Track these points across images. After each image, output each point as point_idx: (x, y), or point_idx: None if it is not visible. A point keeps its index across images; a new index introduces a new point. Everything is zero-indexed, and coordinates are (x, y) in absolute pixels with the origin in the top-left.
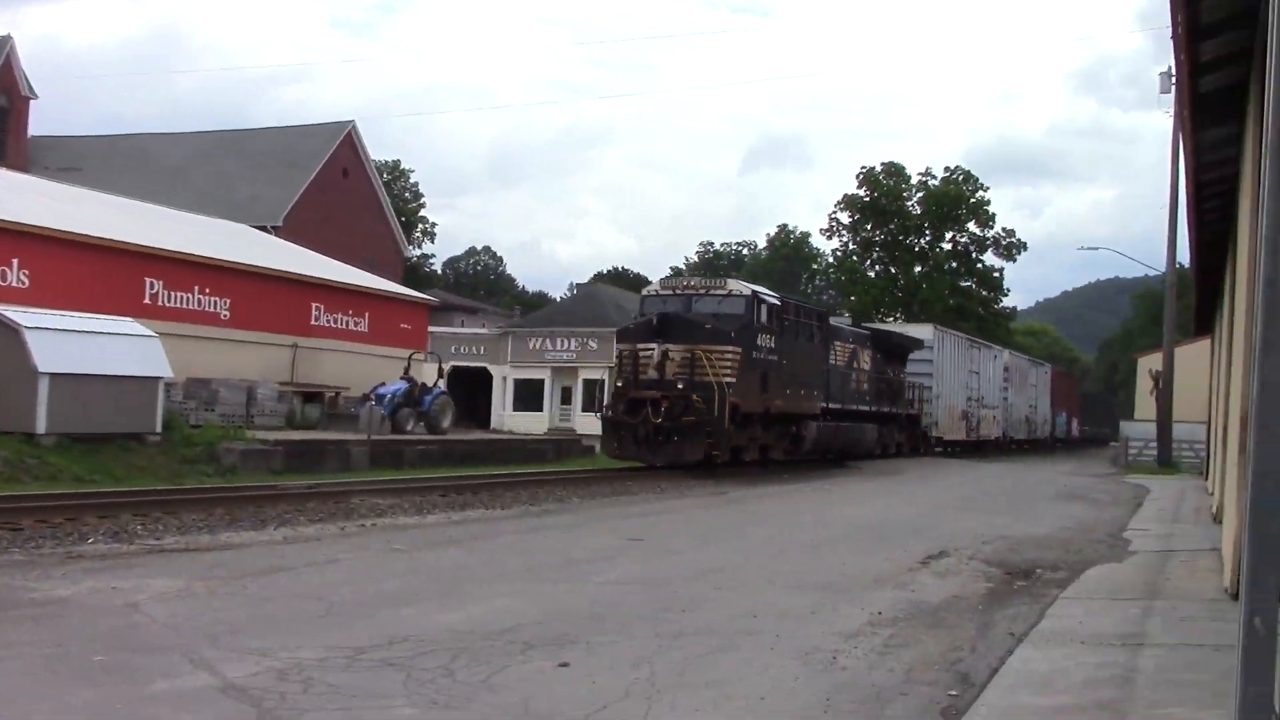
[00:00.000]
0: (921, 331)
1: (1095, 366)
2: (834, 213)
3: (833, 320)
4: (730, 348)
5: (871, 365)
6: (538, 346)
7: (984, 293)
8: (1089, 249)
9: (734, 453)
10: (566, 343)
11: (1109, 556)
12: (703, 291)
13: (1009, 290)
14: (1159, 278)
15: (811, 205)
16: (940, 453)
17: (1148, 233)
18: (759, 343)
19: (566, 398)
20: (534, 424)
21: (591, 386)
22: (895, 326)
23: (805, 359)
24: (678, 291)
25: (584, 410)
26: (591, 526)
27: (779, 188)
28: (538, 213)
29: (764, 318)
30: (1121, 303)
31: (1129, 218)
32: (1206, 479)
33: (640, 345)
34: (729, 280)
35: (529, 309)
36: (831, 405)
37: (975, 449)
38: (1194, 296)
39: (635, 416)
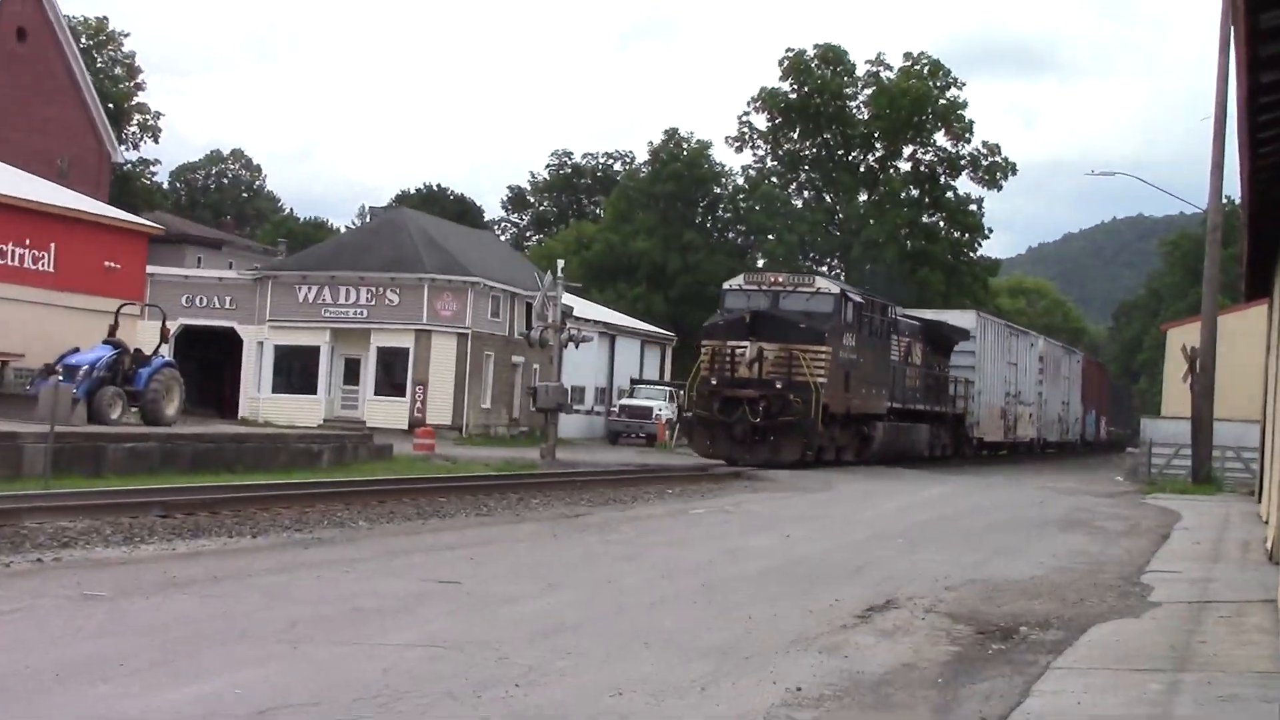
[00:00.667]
0: (964, 320)
1: (1108, 342)
2: (746, 114)
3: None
4: (824, 348)
5: (922, 360)
6: (312, 298)
7: (955, 234)
8: (1101, 174)
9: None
10: (354, 293)
11: (1121, 609)
12: (790, 288)
13: (990, 231)
14: (1198, 217)
15: (716, 102)
16: (985, 456)
17: (1183, 154)
18: (844, 342)
19: (353, 374)
20: (303, 412)
21: (391, 357)
22: (939, 314)
23: (875, 356)
24: (763, 287)
25: (380, 393)
26: (386, 563)
27: (667, 77)
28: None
29: (849, 316)
30: (1145, 252)
31: (1157, 132)
32: (1259, 501)
33: (733, 343)
34: (817, 277)
35: (299, 244)
36: (894, 405)
37: (1010, 452)
38: (1245, 245)
39: (731, 415)
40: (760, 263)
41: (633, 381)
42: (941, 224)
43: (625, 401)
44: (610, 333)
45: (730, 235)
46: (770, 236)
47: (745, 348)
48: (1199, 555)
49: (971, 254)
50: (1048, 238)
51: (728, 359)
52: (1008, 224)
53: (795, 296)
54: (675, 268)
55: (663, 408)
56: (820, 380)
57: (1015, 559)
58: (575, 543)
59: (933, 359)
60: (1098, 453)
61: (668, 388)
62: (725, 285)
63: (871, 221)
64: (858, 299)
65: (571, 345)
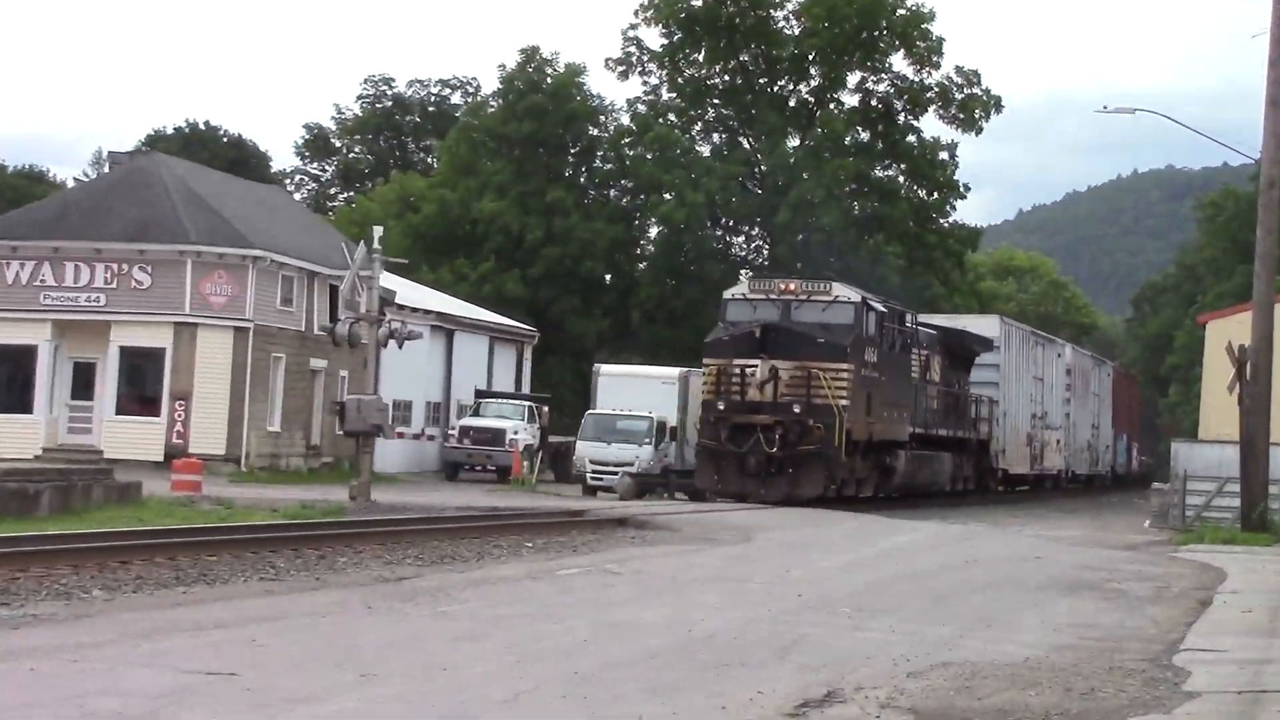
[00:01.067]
0: (986, 326)
1: (1125, 340)
2: (633, 29)
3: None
4: (845, 365)
5: (941, 376)
6: (25, 278)
7: (920, 192)
8: (1117, 111)
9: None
10: (86, 272)
11: (1146, 702)
12: (804, 296)
13: (967, 190)
14: (1247, 170)
15: (591, 11)
16: (1001, 491)
17: (1228, 86)
18: (866, 357)
19: (85, 385)
20: (13, 438)
21: (139, 360)
22: (951, 319)
23: (897, 374)
24: (772, 296)
25: (123, 411)
26: (131, 648)
27: None
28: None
29: (870, 328)
30: (1176, 217)
31: (1193, 57)
32: None
33: (741, 361)
34: (834, 284)
35: (6, 203)
36: (915, 430)
37: (1033, 487)
38: None
39: (742, 445)
40: (652, 232)
41: (479, 394)
42: (901, 179)
43: (468, 422)
44: (447, 326)
45: (612, 194)
46: (667, 195)
47: (756, 366)
48: (1251, 628)
49: (942, 219)
50: (1045, 198)
51: (736, 380)
52: (991, 179)
53: (809, 306)
54: (536, 238)
55: (520, 430)
56: (843, 403)
57: (1003, 633)
58: (398, 617)
59: (951, 374)
60: (1125, 488)
61: (527, 403)
62: (727, 294)
63: (805, 175)
64: (880, 307)
65: (393, 344)
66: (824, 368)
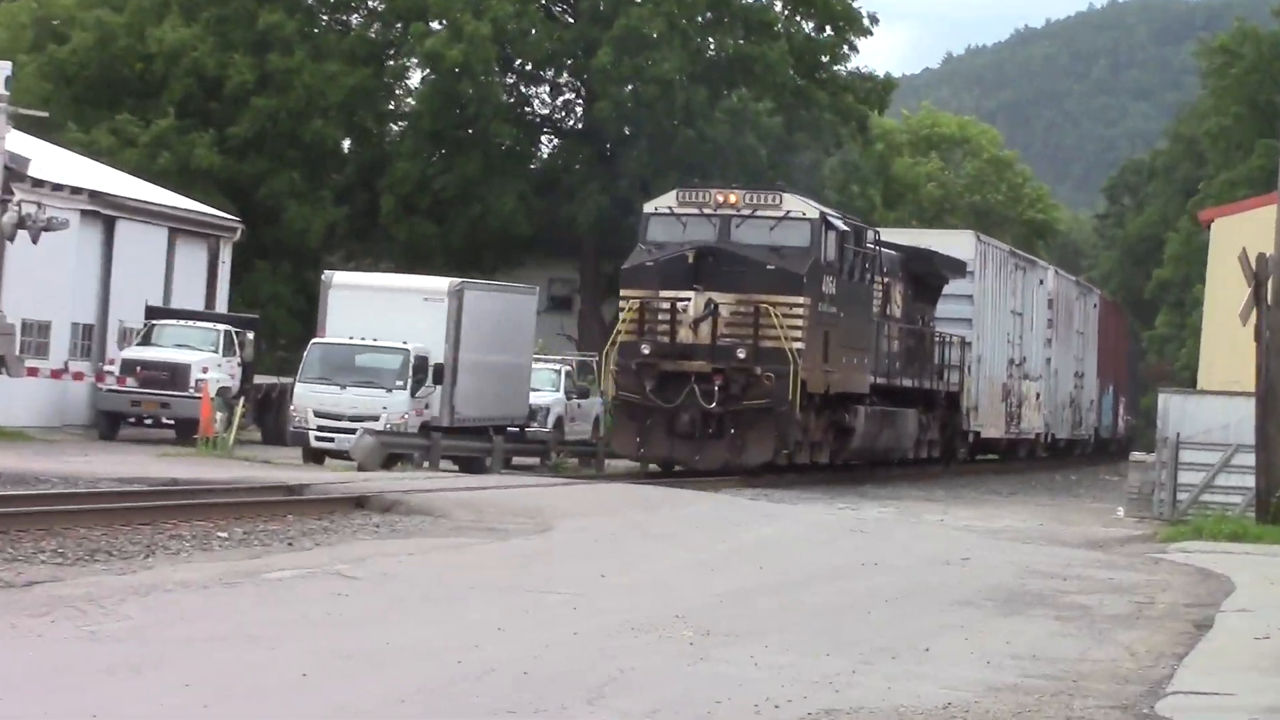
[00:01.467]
0: (957, 244)
1: (1095, 247)
2: None
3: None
4: (800, 299)
5: (904, 311)
6: None
7: (806, 26)
8: None
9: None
10: None
11: None
12: (747, 211)
13: (874, 22)
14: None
15: None
16: (964, 461)
17: None
18: (824, 289)
19: None
20: None
21: None
22: (920, 237)
23: (856, 310)
24: (707, 211)
25: None
26: None
27: None
28: None
29: (830, 250)
30: (1168, 67)
31: None
32: None
33: (669, 294)
34: (784, 195)
35: None
36: (876, 380)
37: (1004, 455)
38: None
39: (673, 399)
40: (413, 79)
41: (151, 313)
42: (778, 5)
43: (135, 354)
44: (107, 212)
45: (355, 21)
46: (435, 25)
47: (689, 300)
48: (1267, 661)
49: (837, 66)
50: (985, 38)
51: (664, 317)
52: (910, 10)
53: (755, 223)
54: (242, 81)
55: (212, 366)
56: (798, 346)
57: (915, 666)
58: (23, 639)
59: (915, 307)
60: (1110, 457)
61: (223, 327)
62: (648, 208)
63: (636, 1)
64: (840, 224)
65: (24, 237)
66: (775, 302)
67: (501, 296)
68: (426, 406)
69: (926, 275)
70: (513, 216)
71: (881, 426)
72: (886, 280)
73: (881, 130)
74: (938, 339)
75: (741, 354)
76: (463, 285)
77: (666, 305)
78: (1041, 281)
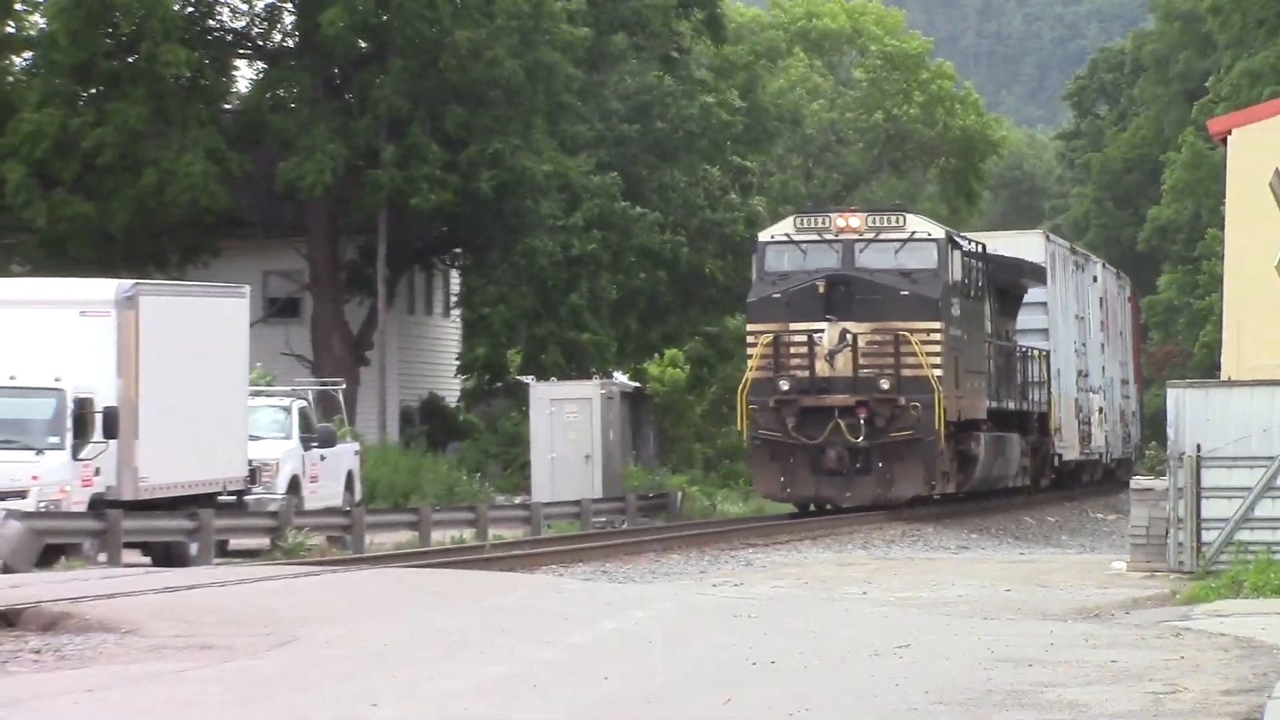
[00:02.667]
0: (1029, 249)
1: (1061, 181)
2: None
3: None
4: (937, 324)
5: (993, 327)
6: None
7: None
8: None
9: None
10: None
11: None
12: (871, 235)
13: None
14: None
15: None
16: (1048, 489)
17: None
18: (953, 313)
19: None
20: None
21: None
22: (991, 240)
23: (973, 331)
24: (828, 236)
25: None
26: None
27: None
28: None
29: (957, 272)
30: None
31: None
32: None
33: (801, 325)
34: (907, 215)
35: None
36: (991, 404)
37: (1071, 482)
38: None
39: (815, 435)
40: None
41: None
42: None
43: None
44: None
45: None
46: None
47: (823, 331)
48: None
49: None
50: None
51: (800, 351)
52: None
53: (879, 247)
54: None
55: None
56: (938, 374)
57: None
58: None
59: (1000, 321)
60: (1101, 486)
61: None
62: (764, 237)
63: None
64: (962, 242)
65: None
66: (913, 329)
67: (196, 303)
68: (97, 472)
69: (1010, 286)
70: (202, 184)
71: (996, 454)
72: (985, 295)
73: (738, 26)
74: (1021, 354)
75: (885, 384)
76: (136, 289)
77: (801, 338)
78: (1095, 279)
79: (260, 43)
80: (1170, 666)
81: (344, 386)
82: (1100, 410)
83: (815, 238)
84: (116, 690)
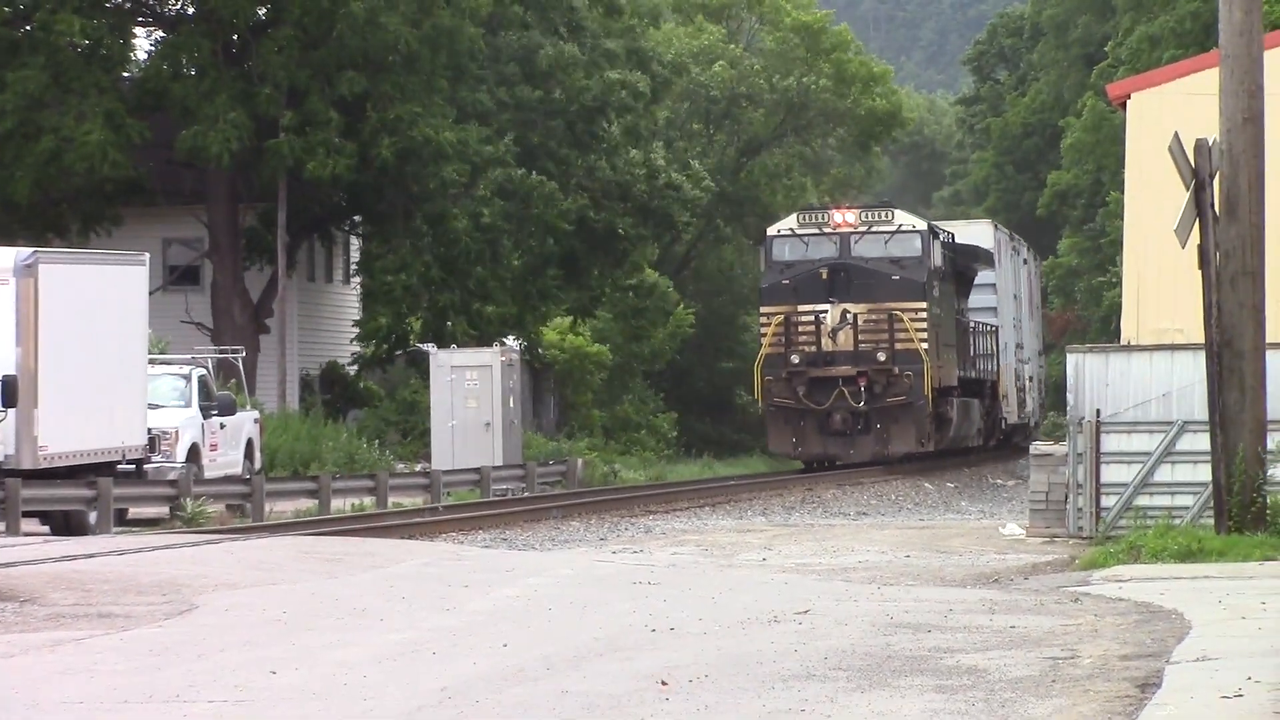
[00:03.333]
0: (980, 235)
1: (962, 141)
2: None
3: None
4: (923, 304)
5: (956, 304)
6: None
7: None
8: None
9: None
10: None
11: None
12: (864, 228)
13: None
14: None
15: None
16: (998, 447)
17: None
18: (934, 294)
19: None
20: None
21: None
22: (951, 225)
23: (948, 309)
24: (826, 230)
25: None
26: None
27: None
28: None
29: (937, 259)
30: None
31: None
32: None
33: (808, 307)
34: (895, 210)
35: None
36: (962, 373)
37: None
38: None
39: (822, 401)
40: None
41: None
42: None
43: None
44: None
45: None
46: None
47: (827, 311)
48: None
49: None
50: None
51: (807, 329)
52: None
53: (871, 239)
54: None
55: None
56: (925, 346)
57: None
58: None
59: (961, 301)
60: (998, 453)
61: None
62: (772, 231)
63: None
64: (941, 234)
65: None
66: (904, 308)
67: (95, 271)
68: None
69: (965, 268)
70: (101, 151)
71: (964, 417)
72: (951, 278)
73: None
74: (974, 329)
75: (881, 356)
76: (36, 258)
77: (809, 318)
78: (1026, 260)
79: (159, 9)
80: (1069, 632)
81: (244, 354)
82: (1031, 378)
83: (816, 231)
84: (15, 659)
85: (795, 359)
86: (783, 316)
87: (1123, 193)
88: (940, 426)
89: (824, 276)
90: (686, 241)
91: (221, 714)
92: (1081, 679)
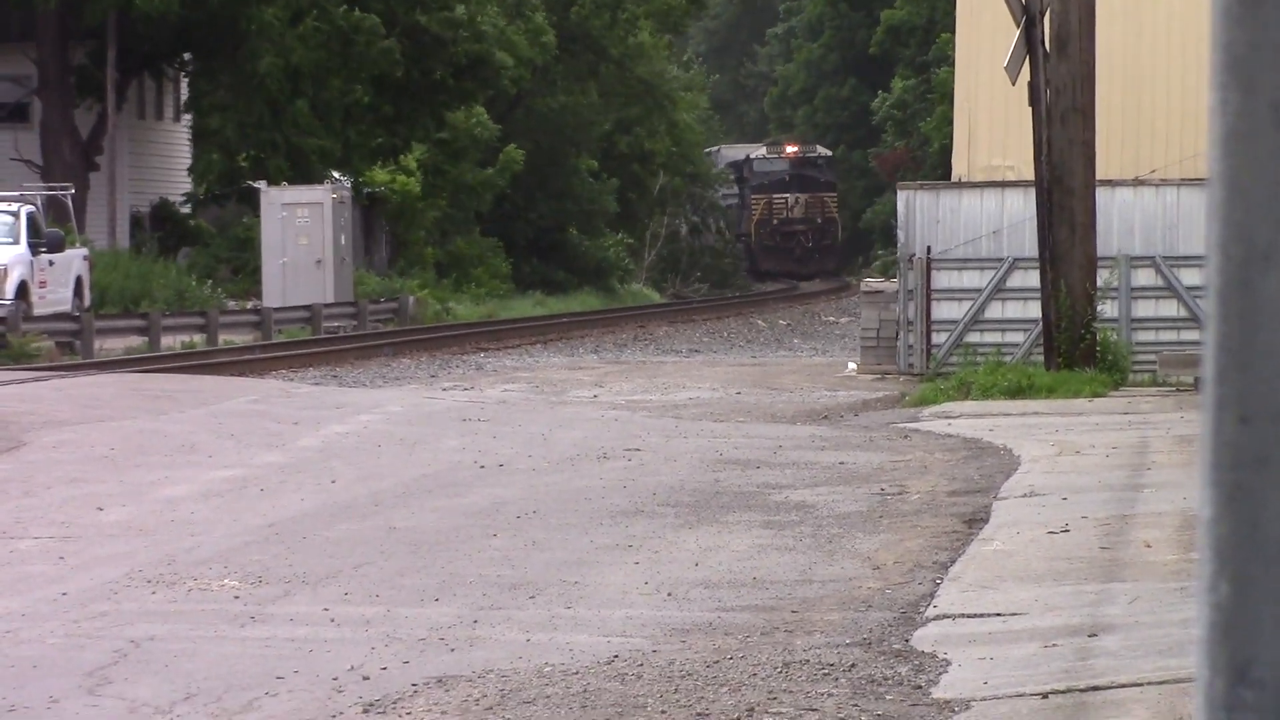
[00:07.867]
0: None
1: None
2: None
3: None
4: (834, 194)
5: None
6: None
7: None
8: None
9: None
10: None
11: None
12: (802, 154)
13: None
14: None
15: None
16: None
17: None
18: (836, 186)
19: None
20: None
21: None
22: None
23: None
24: (782, 155)
25: None
26: None
27: None
28: None
29: (828, 166)
30: None
31: None
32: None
33: (780, 195)
34: (817, 145)
35: None
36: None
37: None
38: None
39: (789, 244)
40: None
41: None
42: None
43: None
44: None
45: None
46: None
47: (787, 196)
48: (1066, 563)
49: None
50: None
51: (780, 206)
52: None
53: (807, 159)
54: None
55: None
56: (836, 215)
57: (564, 608)
58: None
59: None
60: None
61: None
62: (753, 155)
63: None
64: (831, 153)
65: None
66: (829, 196)
67: None
68: None
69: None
70: None
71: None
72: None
73: None
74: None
75: (819, 220)
76: None
77: (781, 200)
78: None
79: None
80: (898, 468)
81: (73, 192)
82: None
83: (777, 155)
84: None
85: (775, 221)
86: (766, 199)
87: (954, 33)
88: (847, 259)
89: (787, 179)
90: (520, 87)
91: (48, 550)
92: (909, 514)
